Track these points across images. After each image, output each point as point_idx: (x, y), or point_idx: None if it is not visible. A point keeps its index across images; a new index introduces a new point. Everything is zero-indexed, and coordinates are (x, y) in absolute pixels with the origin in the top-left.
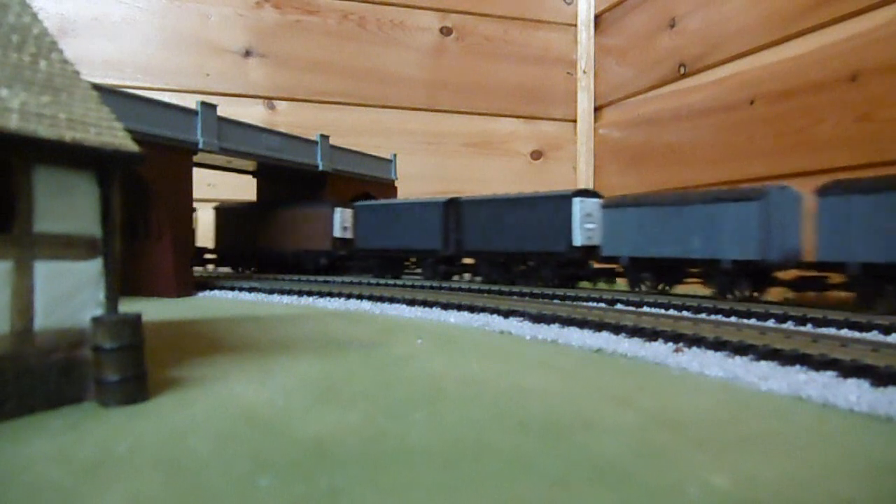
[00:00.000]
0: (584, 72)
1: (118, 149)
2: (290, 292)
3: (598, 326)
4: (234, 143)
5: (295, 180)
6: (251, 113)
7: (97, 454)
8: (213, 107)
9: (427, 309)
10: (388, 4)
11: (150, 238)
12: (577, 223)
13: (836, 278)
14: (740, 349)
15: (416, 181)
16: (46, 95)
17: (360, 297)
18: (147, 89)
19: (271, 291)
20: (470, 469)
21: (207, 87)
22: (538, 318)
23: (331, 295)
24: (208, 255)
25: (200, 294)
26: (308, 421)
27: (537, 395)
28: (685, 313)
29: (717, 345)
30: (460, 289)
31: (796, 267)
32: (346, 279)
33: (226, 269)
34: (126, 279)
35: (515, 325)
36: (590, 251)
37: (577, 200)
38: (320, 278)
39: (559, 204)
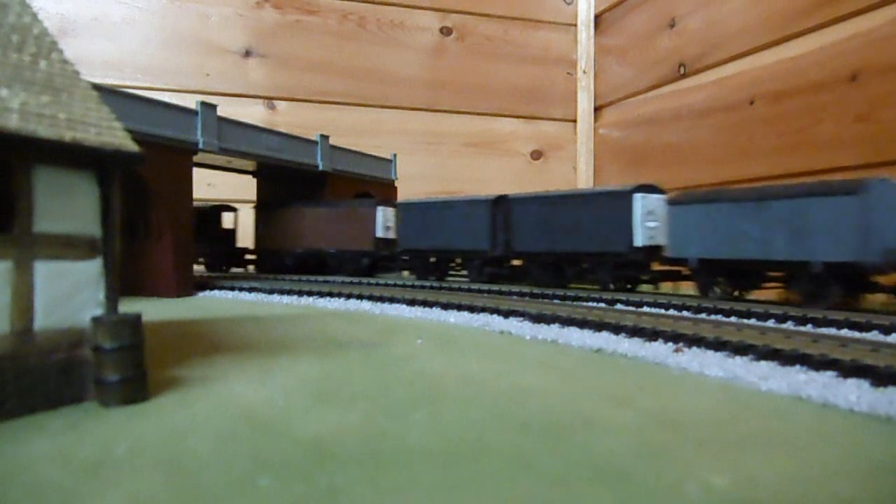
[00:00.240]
0: (584, 72)
1: (118, 149)
2: (290, 292)
3: (598, 326)
4: (234, 143)
5: (295, 180)
6: (251, 113)
7: (97, 454)
8: (213, 107)
9: (427, 309)
10: (388, 4)
11: (150, 238)
12: (638, 221)
13: None
14: (740, 349)
15: (416, 181)
16: (46, 95)
17: (360, 297)
18: (147, 89)
19: (271, 291)
20: (470, 469)
21: (207, 87)
22: (538, 318)
23: (331, 295)
24: (249, 256)
25: (200, 294)
26: (308, 421)
27: (537, 395)
28: (685, 313)
29: (717, 345)
30: (460, 289)
31: None
32: (346, 279)
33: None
34: (126, 279)
35: (515, 325)
36: (652, 252)
37: (637, 196)
38: (320, 278)
39: (618, 200)
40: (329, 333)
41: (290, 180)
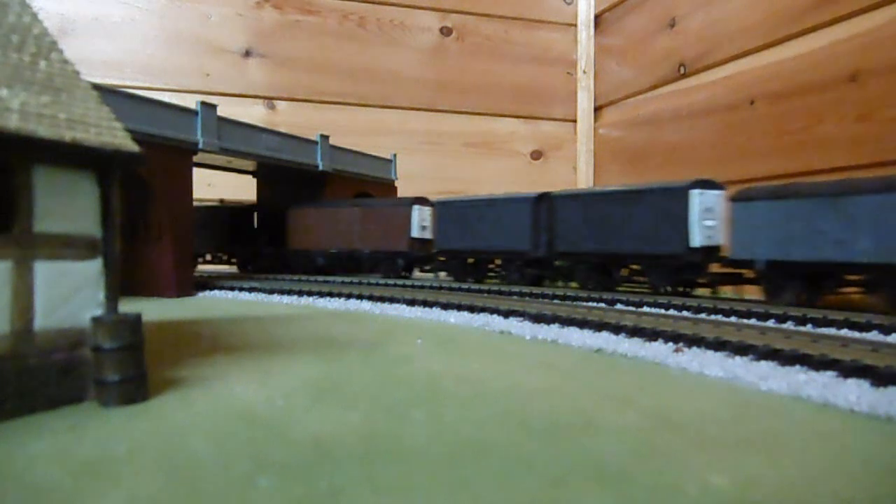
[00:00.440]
0: (584, 72)
1: (118, 149)
2: (290, 292)
3: (598, 326)
4: (234, 143)
5: (295, 180)
6: (251, 113)
7: (97, 454)
8: (213, 107)
9: (427, 309)
10: (388, 4)
11: (150, 238)
12: (696, 220)
13: None
14: (740, 349)
15: (416, 181)
16: (46, 95)
17: (360, 297)
18: (147, 89)
19: (271, 291)
20: (470, 469)
21: (207, 87)
22: (538, 318)
23: (331, 295)
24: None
25: (200, 294)
26: (308, 421)
27: (537, 395)
28: (685, 313)
29: (717, 345)
30: (460, 289)
31: None
32: (347, 279)
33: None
34: (126, 279)
35: (515, 325)
36: (710, 253)
37: (695, 193)
38: (320, 278)
39: (673, 197)
40: (329, 333)
41: (290, 180)
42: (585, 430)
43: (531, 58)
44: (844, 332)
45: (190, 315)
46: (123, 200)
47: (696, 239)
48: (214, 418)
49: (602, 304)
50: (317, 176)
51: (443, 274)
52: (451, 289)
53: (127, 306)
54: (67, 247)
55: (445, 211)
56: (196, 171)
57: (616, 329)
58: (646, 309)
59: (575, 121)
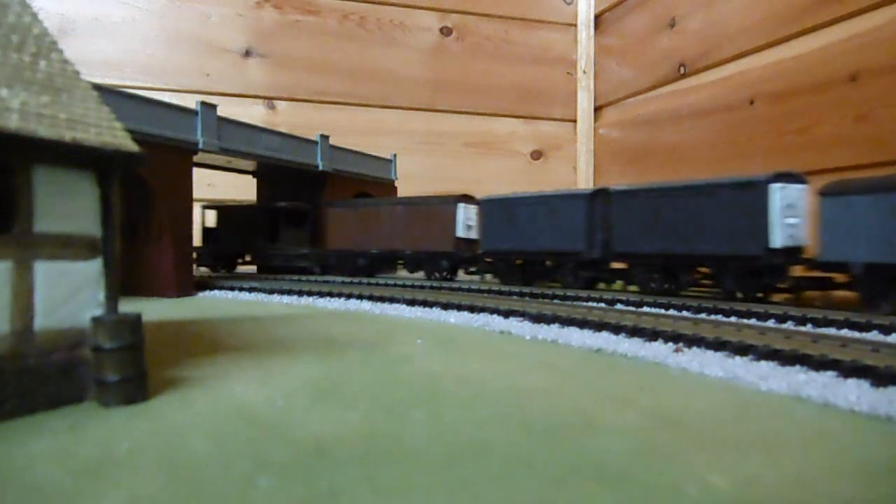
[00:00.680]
0: (584, 72)
1: (118, 149)
2: (290, 292)
3: (598, 326)
4: (234, 143)
5: (295, 180)
6: (251, 113)
7: (97, 454)
8: (213, 107)
9: (427, 309)
10: (388, 4)
11: (150, 238)
12: (776, 217)
13: None
14: (740, 349)
15: (416, 181)
16: (46, 95)
17: (360, 297)
18: (147, 89)
19: (271, 291)
20: (470, 469)
21: (207, 87)
22: (538, 318)
23: (331, 295)
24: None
25: (200, 294)
26: (308, 421)
27: (537, 395)
28: (685, 313)
29: (717, 345)
30: (460, 289)
31: None
32: (347, 279)
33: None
34: (126, 279)
35: (515, 325)
36: (791, 254)
37: (775, 187)
38: (320, 278)
39: (750, 192)
40: (329, 333)
41: (290, 180)
42: (585, 430)
43: (531, 58)
44: (844, 332)
45: (190, 315)
46: (123, 200)
47: (777, 239)
48: (214, 418)
49: (602, 304)
50: (317, 176)
51: (489, 276)
52: (450, 289)
53: (127, 306)
54: (67, 247)
55: (492, 209)
56: (196, 171)
57: (616, 329)
58: (646, 309)
59: (575, 121)
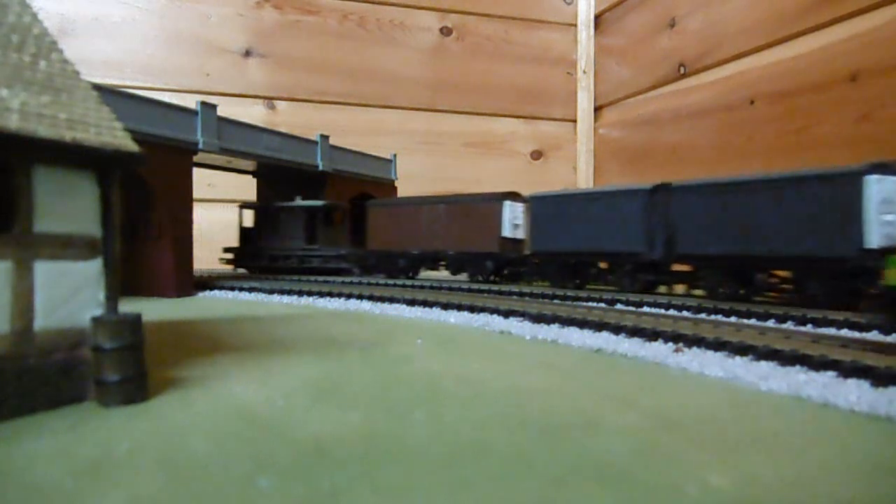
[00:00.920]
0: (584, 72)
1: (118, 149)
2: (290, 292)
3: (598, 326)
4: (234, 143)
5: (295, 180)
6: (251, 113)
7: (97, 454)
8: (213, 107)
9: (427, 309)
10: (388, 4)
11: (150, 238)
12: (872, 214)
13: None
14: (740, 349)
15: (416, 181)
16: (46, 95)
17: (360, 297)
18: (147, 89)
19: (271, 291)
20: (470, 469)
21: (207, 87)
22: (538, 318)
23: (331, 295)
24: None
25: (200, 294)
26: (308, 421)
27: (537, 395)
28: (685, 313)
29: (717, 345)
30: (460, 289)
31: None
32: (347, 279)
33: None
34: (126, 279)
35: (515, 325)
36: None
37: (871, 179)
38: (320, 278)
39: (840, 185)
40: (329, 333)
41: (290, 180)
42: (585, 430)
43: (531, 58)
44: (844, 332)
45: (190, 315)
46: (123, 200)
47: (873, 238)
48: (214, 418)
49: (602, 304)
50: (317, 176)
51: (537, 279)
52: (450, 289)
53: (127, 306)
54: (67, 247)
55: (541, 207)
56: (196, 171)
57: (616, 329)
58: (646, 309)
59: (575, 121)
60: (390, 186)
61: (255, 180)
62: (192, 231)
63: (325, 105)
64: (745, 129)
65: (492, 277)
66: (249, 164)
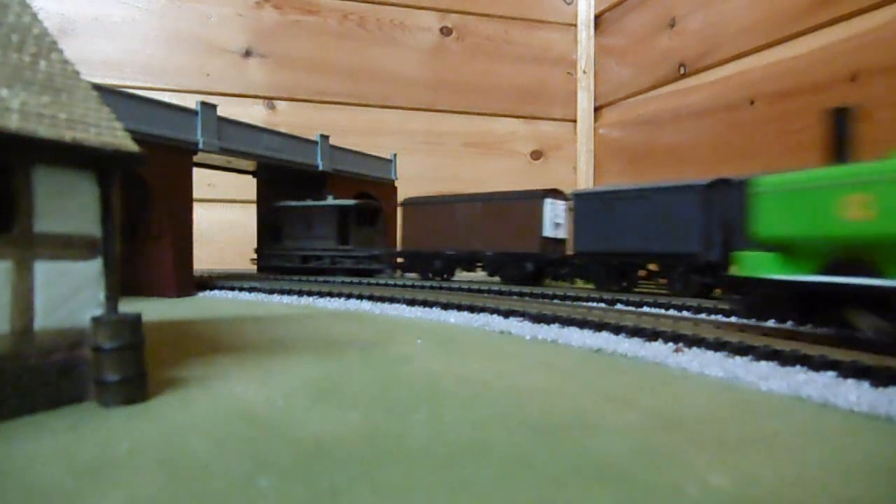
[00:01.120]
0: (584, 72)
1: (118, 149)
2: (290, 292)
3: (598, 326)
4: (234, 143)
5: (295, 180)
6: (251, 113)
7: (97, 454)
8: (213, 107)
9: (427, 309)
10: (388, 4)
11: (150, 238)
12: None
13: None
14: (740, 349)
15: (416, 181)
16: (46, 95)
17: (360, 297)
18: (147, 89)
19: (271, 291)
20: (470, 469)
21: (207, 87)
22: (538, 318)
23: (331, 295)
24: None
25: (200, 294)
26: (308, 421)
27: (537, 395)
28: (685, 313)
29: (717, 345)
30: (460, 289)
31: None
32: (346, 279)
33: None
34: (126, 279)
35: (515, 325)
36: None
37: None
38: (320, 278)
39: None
40: (329, 333)
41: (290, 180)
42: (585, 430)
43: (531, 58)
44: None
45: (190, 315)
46: (123, 200)
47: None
48: (214, 418)
49: (602, 304)
50: (317, 176)
51: (580, 281)
52: (450, 289)
53: (127, 306)
54: (67, 247)
55: (585, 204)
56: (196, 171)
57: (616, 329)
58: (646, 309)
59: (575, 121)
60: (390, 186)
61: (255, 180)
62: (192, 231)
63: (325, 105)
64: (745, 129)
65: (531, 279)
66: (249, 164)
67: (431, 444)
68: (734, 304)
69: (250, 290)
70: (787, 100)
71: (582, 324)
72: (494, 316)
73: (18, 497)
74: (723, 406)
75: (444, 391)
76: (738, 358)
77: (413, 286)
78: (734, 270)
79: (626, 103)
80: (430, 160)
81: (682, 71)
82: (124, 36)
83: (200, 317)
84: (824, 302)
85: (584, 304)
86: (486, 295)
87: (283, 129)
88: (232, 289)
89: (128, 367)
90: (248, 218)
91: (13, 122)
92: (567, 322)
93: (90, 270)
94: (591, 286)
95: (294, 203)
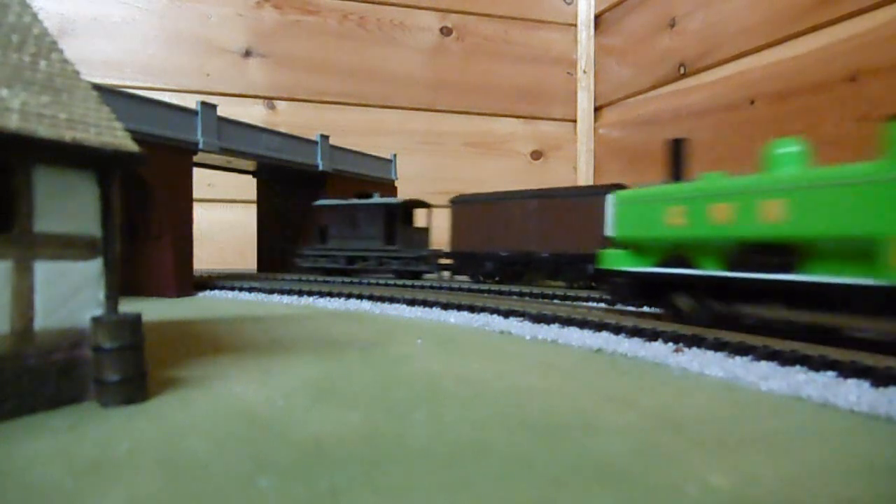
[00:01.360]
0: (584, 72)
1: (118, 149)
2: (290, 292)
3: (598, 326)
4: (234, 143)
5: (295, 180)
6: (251, 113)
7: (97, 454)
8: (213, 107)
9: (427, 309)
10: (388, 4)
11: (150, 238)
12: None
13: None
14: (740, 349)
15: (416, 181)
16: (46, 95)
17: (360, 296)
18: (147, 89)
19: (271, 291)
20: (470, 469)
21: (207, 87)
22: (538, 318)
23: (331, 295)
24: (444, 261)
25: (200, 294)
26: (308, 421)
27: (537, 395)
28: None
29: (717, 345)
30: (460, 289)
31: None
32: (347, 279)
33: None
34: (126, 279)
35: (515, 325)
36: None
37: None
38: (320, 278)
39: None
40: (329, 333)
41: (290, 180)
42: (585, 431)
43: (531, 58)
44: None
45: (190, 315)
46: (123, 200)
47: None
48: (214, 418)
49: (602, 304)
50: (317, 176)
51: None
52: (450, 289)
53: (127, 306)
54: (67, 247)
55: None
56: (196, 171)
57: (616, 329)
58: (646, 309)
59: (575, 121)
60: (390, 186)
61: (255, 180)
62: (192, 231)
63: (325, 105)
64: (745, 129)
65: (593, 283)
66: (249, 164)
67: (431, 444)
68: (605, 292)
69: (250, 290)
70: (787, 100)
71: (582, 324)
72: (494, 316)
73: (18, 497)
74: (723, 406)
75: (444, 391)
76: (738, 358)
77: (413, 286)
78: (600, 265)
79: (626, 103)
80: (430, 160)
81: (682, 71)
82: (124, 36)
83: (200, 317)
84: (659, 288)
85: (584, 304)
86: (486, 295)
87: (283, 129)
88: (232, 289)
89: (128, 367)
90: (248, 218)
91: (13, 122)
92: (567, 322)
93: (90, 270)
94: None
95: (338, 201)
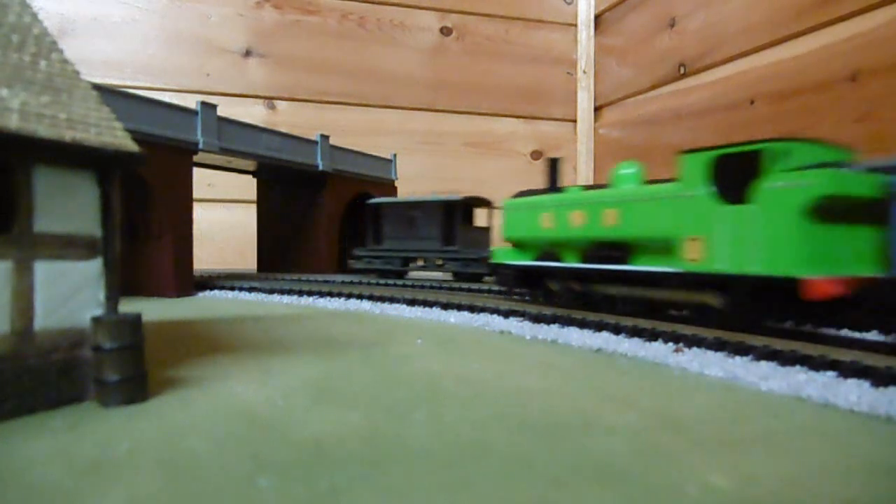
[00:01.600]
0: (584, 72)
1: (118, 149)
2: (290, 292)
3: (598, 326)
4: (234, 143)
5: (295, 180)
6: (251, 113)
7: (97, 454)
8: (213, 107)
9: (427, 309)
10: (388, 4)
11: (150, 238)
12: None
13: None
14: (740, 349)
15: (416, 181)
16: (46, 95)
17: (360, 296)
18: (147, 89)
19: (271, 291)
20: (470, 469)
21: (207, 87)
22: (538, 318)
23: (331, 295)
24: None
25: (200, 294)
26: (308, 421)
27: (537, 395)
28: (685, 313)
29: (717, 345)
30: (460, 289)
31: None
32: (347, 279)
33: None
34: (126, 279)
35: (515, 325)
36: None
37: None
38: (320, 278)
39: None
40: (329, 333)
41: (290, 180)
42: (585, 430)
43: (531, 58)
44: (844, 331)
45: (190, 315)
46: (123, 200)
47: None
48: (214, 418)
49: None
50: (317, 176)
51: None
52: (450, 289)
53: (127, 306)
54: (67, 247)
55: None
56: (196, 171)
57: (616, 329)
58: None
59: (575, 121)
60: (390, 186)
61: (255, 180)
62: (192, 231)
63: (325, 105)
64: (745, 129)
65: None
66: (249, 164)
67: (431, 444)
68: (495, 282)
69: (250, 290)
70: (787, 100)
71: (582, 324)
72: (494, 316)
73: (18, 497)
74: (723, 406)
75: (444, 391)
76: (738, 358)
77: (413, 286)
78: (492, 259)
79: (626, 103)
80: (430, 160)
81: (682, 71)
82: (124, 36)
83: (200, 317)
84: (537, 277)
85: None
86: (485, 295)
87: (283, 129)
88: (232, 289)
89: (128, 367)
90: (248, 218)
91: (13, 122)
92: (567, 322)
93: (90, 270)
94: None
95: (394, 199)
